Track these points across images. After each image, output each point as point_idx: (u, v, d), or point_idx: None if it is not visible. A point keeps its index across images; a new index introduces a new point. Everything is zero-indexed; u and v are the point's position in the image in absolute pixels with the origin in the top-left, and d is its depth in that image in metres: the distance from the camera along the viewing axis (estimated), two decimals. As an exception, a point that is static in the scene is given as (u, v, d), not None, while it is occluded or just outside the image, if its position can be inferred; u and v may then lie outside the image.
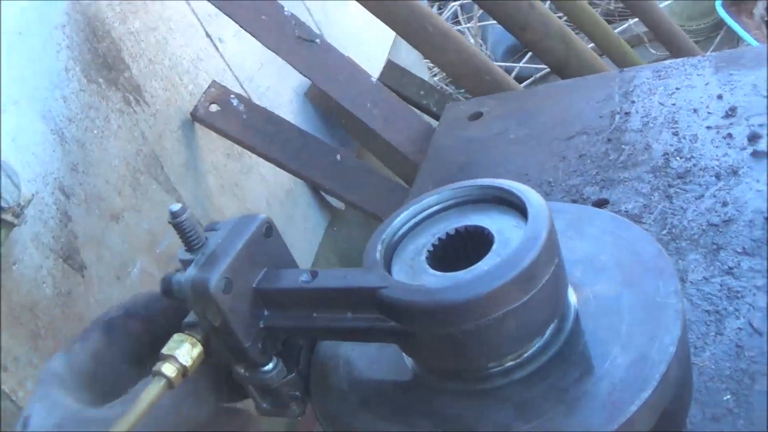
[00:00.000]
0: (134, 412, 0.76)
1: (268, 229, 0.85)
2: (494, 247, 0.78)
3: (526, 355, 0.79)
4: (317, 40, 1.82)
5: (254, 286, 0.83)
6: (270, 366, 0.86)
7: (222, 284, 0.79)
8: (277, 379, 0.86)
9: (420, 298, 0.74)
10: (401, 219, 0.86)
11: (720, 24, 3.62)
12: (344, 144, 2.32)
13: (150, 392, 0.78)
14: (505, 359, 0.79)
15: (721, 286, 1.09)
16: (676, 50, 2.62)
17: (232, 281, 0.80)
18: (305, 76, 1.86)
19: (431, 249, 0.83)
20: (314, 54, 1.82)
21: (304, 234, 2.27)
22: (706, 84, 1.51)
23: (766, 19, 3.48)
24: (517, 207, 0.80)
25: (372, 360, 0.89)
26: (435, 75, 3.67)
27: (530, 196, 0.79)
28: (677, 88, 1.53)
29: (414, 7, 1.87)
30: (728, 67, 1.54)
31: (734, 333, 1.03)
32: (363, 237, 2.47)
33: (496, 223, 0.81)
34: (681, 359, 0.78)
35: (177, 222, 0.81)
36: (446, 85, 3.62)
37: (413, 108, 2.10)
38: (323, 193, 2.27)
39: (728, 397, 0.96)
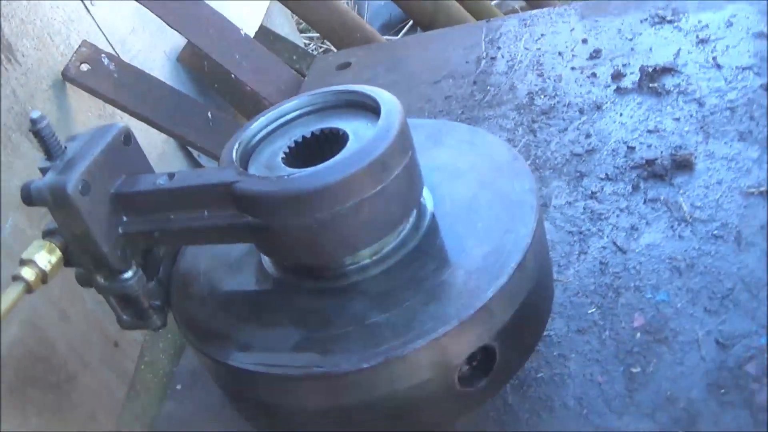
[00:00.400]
0: None
1: (127, 137, 0.85)
2: (349, 144, 0.75)
3: (383, 252, 0.78)
4: (186, -7, 1.77)
5: (113, 191, 0.81)
6: (129, 273, 0.85)
7: (79, 186, 0.78)
8: (136, 287, 0.85)
9: (273, 187, 0.72)
10: (258, 124, 0.85)
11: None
12: (218, 108, 2.26)
13: (9, 294, 0.79)
14: (362, 255, 0.78)
15: (584, 209, 1.10)
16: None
17: (90, 184, 0.79)
18: (174, 28, 1.81)
19: (287, 150, 0.81)
20: (183, 7, 1.77)
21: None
22: (572, 30, 1.52)
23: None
24: (371, 109, 0.79)
25: (233, 269, 0.87)
26: (308, 45, 3.64)
27: (382, 95, 0.79)
28: (543, 35, 1.54)
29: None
30: (594, 14, 1.55)
31: (598, 251, 1.03)
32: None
33: (352, 125, 0.80)
34: (537, 252, 0.77)
35: (37, 129, 0.82)
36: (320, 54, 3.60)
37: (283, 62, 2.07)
38: (196, 156, 2.22)
39: (593, 310, 0.96)
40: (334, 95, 0.84)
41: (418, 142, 0.78)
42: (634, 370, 0.88)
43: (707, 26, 1.39)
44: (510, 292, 0.72)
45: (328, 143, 0.80)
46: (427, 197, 0.84)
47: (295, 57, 2.44)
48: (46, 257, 0.83)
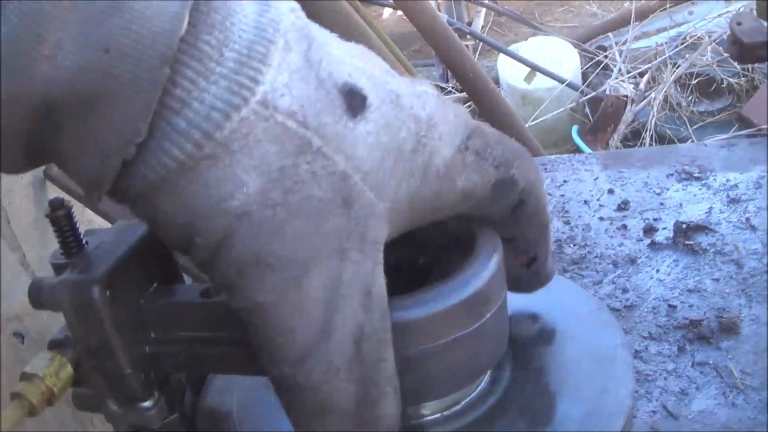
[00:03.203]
0: None
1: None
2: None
3: (459, 405, 0.69)
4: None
5: (143, 300, 0.69)
6: (150, 402, 0.71)
7: (106, 290, 0.64)
8: (156, 420, 0.72)
9: None
10: None
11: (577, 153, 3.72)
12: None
13: (9, 417, 0.64)
14: (431, 409, 0.69)
15: (630, 369, 1.02)
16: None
17: (118, 289, 0.66)
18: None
19: None
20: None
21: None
22: (596, 179, 1.48)
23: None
24: None
25: (273, 407, 0.76)
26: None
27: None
28: (565, 181, 1.50)
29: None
30: (616, 165, 1.52)
31: (648, 416, 0.96)
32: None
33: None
34: (631, 417, 0.69)
35: (56, 216, 0.68)
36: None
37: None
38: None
39: (649, 484, 0.88)
40: None
41: None
42: None
43: (737, 186, 1.36)
44: None
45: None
46: None
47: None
48: (55, 373, 0.69)
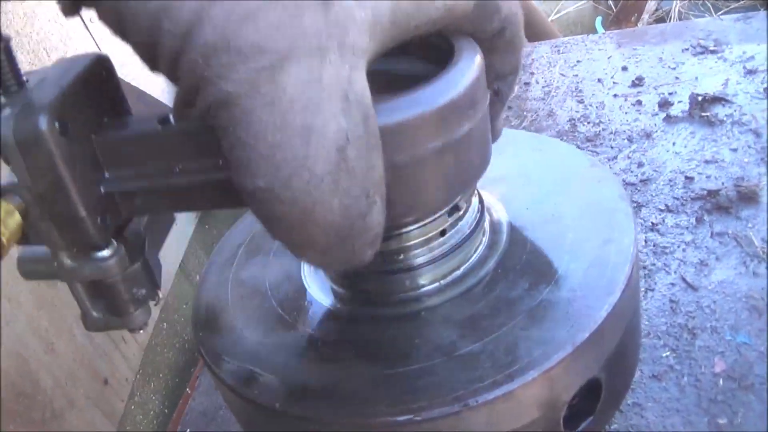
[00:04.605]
0: None
1: (107, 69, 0.63)
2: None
3: (459, 271, 0.66)
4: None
5: (94, 135, 0.60)
6: (109, 251, 0.62)
7: (56, 122, 0.56)
8: (116, 270, 0.63)
9: None
10: None
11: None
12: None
13: None
14: (433, 276, 0.66)
15: (646, 242, 0.99)
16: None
17: (67, 121, 0.57)
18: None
19: None
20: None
21: (173, 231, 2.10)
22: (609, 57, 1.44)
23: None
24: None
25: (269, 297, 0.73)
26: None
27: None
28: (578, 61, 1.45)
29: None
30: (631, 43, 1.47)
31: (666, 288, 0.93)
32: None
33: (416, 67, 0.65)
34: (636, 264, 0.66)
35: None
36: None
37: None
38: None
39: (668, 353, 0.85)
40: None
41: None
42: (720, 421, 0.78)
43: (753, 57, 1.31)
44: (620, 311, 0.61)
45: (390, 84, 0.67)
46: (499, 209, 0.73)
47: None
48: (1, 221, 0.58)
